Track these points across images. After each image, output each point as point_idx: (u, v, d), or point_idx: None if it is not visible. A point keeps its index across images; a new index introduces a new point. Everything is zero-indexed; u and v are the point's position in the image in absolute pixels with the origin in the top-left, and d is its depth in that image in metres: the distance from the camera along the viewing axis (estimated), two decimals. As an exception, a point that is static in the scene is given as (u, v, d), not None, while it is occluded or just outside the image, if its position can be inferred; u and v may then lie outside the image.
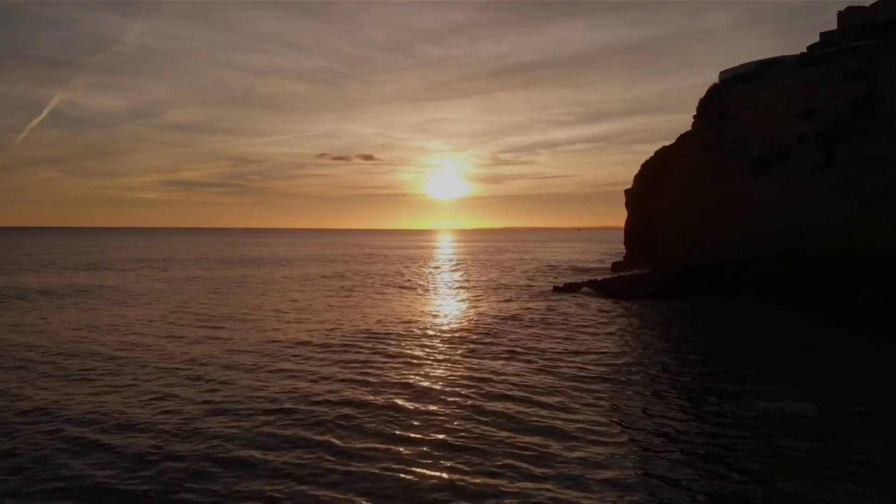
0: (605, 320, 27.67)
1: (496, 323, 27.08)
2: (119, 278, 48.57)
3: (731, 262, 33.77)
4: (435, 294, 39.63)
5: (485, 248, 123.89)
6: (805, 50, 39.97)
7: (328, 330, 25.22)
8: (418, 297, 38.12)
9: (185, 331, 24.76)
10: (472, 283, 44.70)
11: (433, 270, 59.96)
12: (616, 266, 55.62)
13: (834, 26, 39.18)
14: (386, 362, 19.33)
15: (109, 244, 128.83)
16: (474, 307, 32.46)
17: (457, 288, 42.76)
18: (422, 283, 47.34)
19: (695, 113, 43.21)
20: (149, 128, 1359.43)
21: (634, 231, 54.45)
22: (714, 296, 33.13)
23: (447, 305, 33.78)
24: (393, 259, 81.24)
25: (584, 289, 38.08)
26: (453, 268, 62.87)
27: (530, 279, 48.09)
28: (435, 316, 29.66)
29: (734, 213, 34.86)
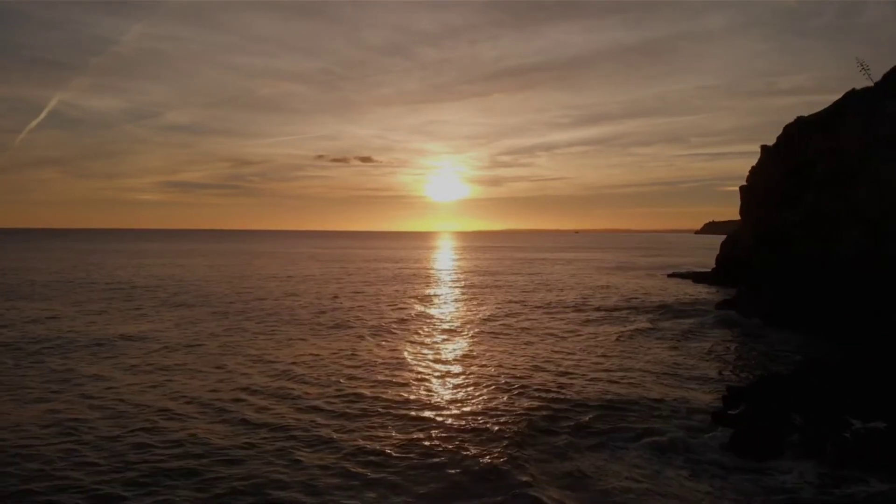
0: None
1: None
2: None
3: None
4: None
5: (498, 259, 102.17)
6: None
7: None
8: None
9: None
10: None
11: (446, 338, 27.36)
12: (741, 308, 32.57)
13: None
14: None
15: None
16: None
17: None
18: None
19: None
20: (148, 129, 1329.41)
21: (767, 247, 32.92)
22: None
23: None
24: (384, 283, 59.79)
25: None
26: (480, 326, 30.48)
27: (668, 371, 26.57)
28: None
29: None
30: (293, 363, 21.71)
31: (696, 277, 58.37)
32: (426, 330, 29.35)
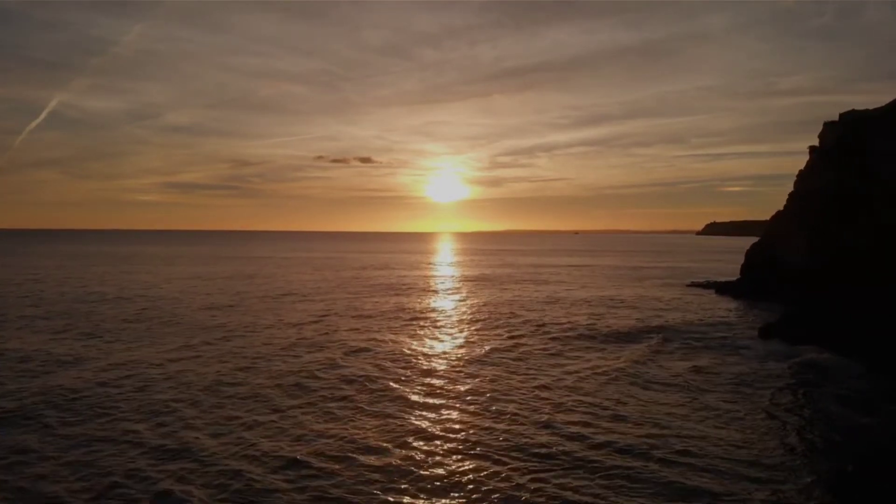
0: None
1: None
2: None
3: None
4: None
5: (501, 265, 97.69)
6: None
7: None
8: None
9: None
10: None
11: None
12: (789, 334, 26.83)
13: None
14: None
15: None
16: None
17: None
18: None
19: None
20: (148, 130, 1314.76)
21: (827, 261, 28.22)
22: None
23: None
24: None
25: None
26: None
27: None
28: None
29: None
30: (221, 422, 17.09)
31: (719, 288, 53.81)
32: (414, 369, 24.69)
